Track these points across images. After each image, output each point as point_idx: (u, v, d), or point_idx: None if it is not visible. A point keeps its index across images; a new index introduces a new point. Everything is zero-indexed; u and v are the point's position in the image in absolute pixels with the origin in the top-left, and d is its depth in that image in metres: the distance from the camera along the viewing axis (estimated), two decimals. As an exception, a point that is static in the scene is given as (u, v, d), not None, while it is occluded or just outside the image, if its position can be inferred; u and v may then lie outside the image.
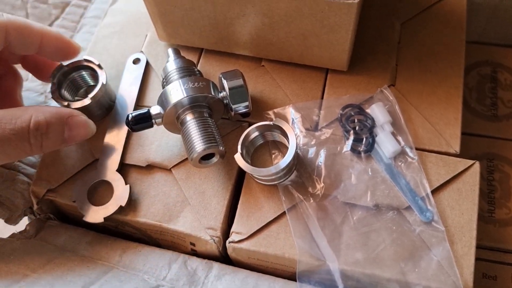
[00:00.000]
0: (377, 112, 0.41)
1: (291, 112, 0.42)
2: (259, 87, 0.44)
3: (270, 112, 0.43)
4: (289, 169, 0.38)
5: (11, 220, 0.43)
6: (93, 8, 0.54)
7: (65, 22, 0.53)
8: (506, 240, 0.45)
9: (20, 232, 0.42)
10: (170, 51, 0.43)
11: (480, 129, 0.50)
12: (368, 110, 0.41)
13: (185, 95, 0.38)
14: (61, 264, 0.37)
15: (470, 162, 0.39)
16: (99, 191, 0.41)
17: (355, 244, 0.37)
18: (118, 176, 0.41)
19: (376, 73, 0.44)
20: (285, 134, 0.38)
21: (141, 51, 0.47)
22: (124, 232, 0.43)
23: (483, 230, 0.46)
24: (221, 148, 0.38)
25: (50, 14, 0.52)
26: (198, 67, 0.46)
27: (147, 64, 0.46)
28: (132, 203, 0.41)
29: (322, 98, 0.43)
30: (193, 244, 0.41)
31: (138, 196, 0.41)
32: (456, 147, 0.40)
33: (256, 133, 0.40)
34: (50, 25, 0.52)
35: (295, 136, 0.38)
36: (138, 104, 0.45)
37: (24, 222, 0.44)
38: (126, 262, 0.39)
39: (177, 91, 0.38)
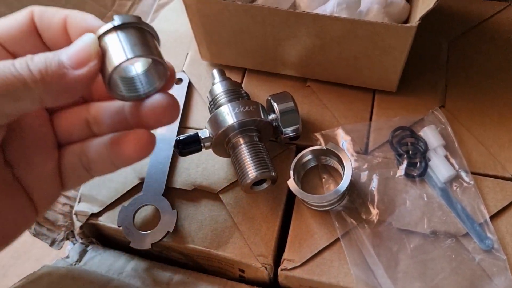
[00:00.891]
0: (430, 135, 0.40)
1: (340, 134, 0.41)
2: (305, 108, 0.43)
3: (318, 134, 0.42)
4: (343, 195, 0.37)
5: (55, 243, 0.42)
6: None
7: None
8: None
9: (63, 259, 0.42)
10: (215, 72, 0.42)
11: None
12: (420, 133, 0.40)
13: (236, 120, 0.37)
14: (110, 293, 0.36)
15: (528, 186, 0.38)
16: (145, 216, 0.40)
17: (413, 273, 0.36)
18: (164, 200, 0.40)
19: (425, 93, 0.43)
20: (339, 159, 0.37)
21: (183, 71, 0.47)
22: (169, 257, 0.42)
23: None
24: (273, 174, 0.37)
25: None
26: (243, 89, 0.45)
27: (189, 84, 0.46)
28: (179, 228, 0.40)
29: (370, 119, 0.42)
30: (242, 271, 0.40)
31: (184, 221, 0.40)
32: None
33: (310, 157, 0.39)
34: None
35: (351, 163, 0.37)
36: (181, 126, 0.44)
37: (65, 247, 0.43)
38: (175, 290, 0.38)
39: (228, 115, 0.37)
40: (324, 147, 0.38)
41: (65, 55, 0.25)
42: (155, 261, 0.41)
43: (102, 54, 0.26)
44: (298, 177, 0.39)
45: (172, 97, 0.30)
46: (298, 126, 0.39)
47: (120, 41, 0.25)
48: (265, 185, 0.38)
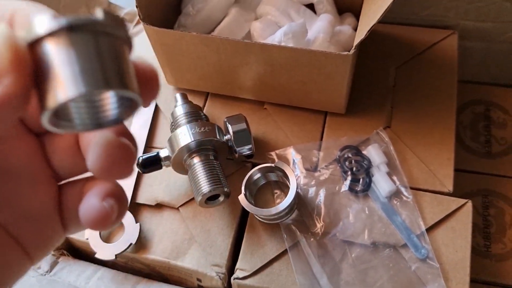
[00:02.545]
0: (373, 153, 0.43)
1: (292, 153, 0.44)
2: (261, 129, 0.47)
3: (273, 153, 0.45)
4: (290, 208, 0.40)
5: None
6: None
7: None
8: (502, 275, 0.47)
9: (34, 270, 0.44)
10: (178, 96, 0.46)
11: (475, 166, 0.52)
12: (364, 152, 0.44)
13: (193, 139, 0.40)
14: (74, 301, 0.39)
15: (463, 201, 0.41)
16: (111, 229, 0.43)
17: (354, 281, 0.39)
18: (129, 214, 0.43)
19: (372, 115, 0.46)
20: (286, 176, 0.40)
21: (151, 95, 0.50)
22: (133, 268, 0.45)
23: (480, 265, 0.47)
24: (225, 189, 0.40)
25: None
26: (204, 110, 0.48)
27: (156, 107, 0.49)
28: (142, 240, 0.43)
29: (321, 139, 0.46)
30: (200, 280, 0.42)
31: (147, 234, 0.43)
32: (449, 187, 0.42)
33: (259, 175, 0.42)
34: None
35: (296, 177, 0.40)
36: (148, 146, 0.47)
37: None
38: (135, 298, 0.41)
39: (185, 136, 0.41)
40: (272, 165, 0.41)
41: None
42: (120, 271, 0.44)
43: (39, 67, 0.16)
44: (251, 193, 0.42)
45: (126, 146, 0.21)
46: (250, 145, 0.42)
47: (72, 58, 0.16)
48: (219, 200, 0.41)
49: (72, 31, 0.15)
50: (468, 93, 0.56)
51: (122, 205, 0.21)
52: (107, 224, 0.20)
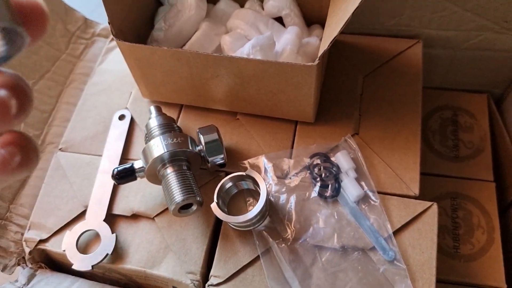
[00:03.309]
0: (342, 159, 0.45)
1: (263, 161, 0.46)
2: (234, 139, 0.48)
3: (245, 162, 0.46)
4: (261, 215, 0.42)
5: (6, 269, 0.46)
6: (81, 65, 0.59)
7: (55, 76, 0.57)
8: (471, 275, 0.48)
9: (12, 283, 0.45)
10: (152, 108, 0.47)
11: (444, 169, 0.54)
12: (333, 158, 0.45)
13: (165, 150, 0.42)
14: (51, 312, 0.40)
15: (429, 203, 0.43)
16: (88, 240, 0.44)
17: (324, 284, 0.40)
18: (105, 225, 0.44)
19: (341, 123, 0.48)
20: (256, 184, 0.42)
21: (126, 108, 0.51)
22: (111, 278, 0.46)
23: (449, 266, 0.49)
24: (198, 198, 0.41)
25: (41, 66, 0.56)
26: (179, 122, 0.50)
27: (132, 119, 0.50)
28: (118, 250, 0.44)
29: (292, 147, 0.47)
30: (175, 288, 0.43)
31: (123, 244, 0.44)
32: (415, 190, 0.44)
33: (230, 184, 0.43)
34: (41, 77, 0.56)
35: (267, 185, 0.41)
36: (123, 157, 0.48)
37: (17, 272, 0.47)
38: (112, 308, 0.42)
39: (158, 147, 0.42)
40: (242, 173, 0.42)
41: None
42: (97, 282, 0.45)
43: None
44: (224, 202, 0.44)
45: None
46: (222, 155, 0.44)
47: None
48: (193, 209, 0.42)
49: None
50: (436, 99, 0.58)
51: (24, 151, 0.19)
52: (6, 171, 0.19)
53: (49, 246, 0.45)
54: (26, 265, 0.47)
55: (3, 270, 0.46)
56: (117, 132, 0.49)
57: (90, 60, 0.58)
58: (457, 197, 0.52)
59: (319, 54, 0.40)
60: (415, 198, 0.44)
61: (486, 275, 0.48)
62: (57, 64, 0.57)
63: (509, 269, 0.49)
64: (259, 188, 0.41)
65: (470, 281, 0.48)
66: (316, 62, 0.40)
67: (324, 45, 0.39)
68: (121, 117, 0.50)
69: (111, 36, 0.58)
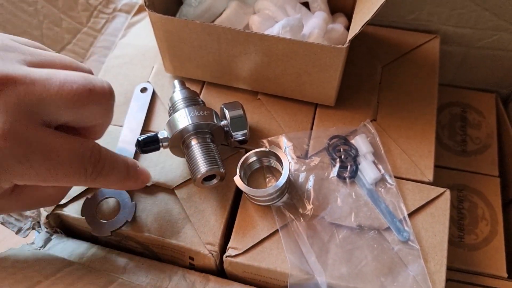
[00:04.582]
0: (360, 143, 0.46)
1: (284, 141, 0.47)
2: (255, 118, 0.49)
3: (265, 141, 0.47)
4: (282, 191, 0.43)
5: (20, 232, 0.46)
6: (102, 39, 0.59)
7: (76, 47, 0.57)
8: (474, 263, 0.50)
9: (28, 244, 0.45)
10: (176, 82, 0.48)
11: (452, 162, 0.56)
12: (352, 141, 0.46)
13: (191, 122, 0.42)
14: (71, 273, 0.40)
15: (442, 190, 0.44)
16: (107, 207, 0.45)
17: (341, 260, 0.41)
18: (125, 193, 0.45)
19: (359, 109, 0.49)
20: (279, 160, 0.43)
21: (148, 81, 0.52)
22: (127, 246, 0.47)
23: (454, 254, 0.50)
24: (222, 170, 0.42)
25: (62, 38, 0.57)
26: (200, 98, 0.50)
27: (153, 93, 0.51)
28: (137, 219, 0.44)
29: (311, 129, 0.48)
30: (192, 259, 0.44)
31: (142, 213, 0.44)
32: (429, 176, 0.45)
33: (254, 158, 0.44)
34: (62, 49, 0.56)
35: (288, 162, 0.42)
36: (144, 129, 0.49)
37: (32, 235, 0.47)
38: (130, 274, 0.43)
39: (184, 118, 0.43)
40: (266, 149, 0.43)
41: None
42: (113, 249, 0.45)
43: None
44: (245, 176, 0.45)
45: None
46: (246, 131, 0.45)
47: None
48: (214, 181, 0.43)
49: None
50: (446, 96, 0.60)
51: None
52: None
53: (66, 212, 0.45)
54: (41, 230, 0.47)
55: (17, 233, 0.46)
56: (139, 104, 0.50)
57: (111, 34, 0.59)
58: (464, 189, 0.54)
59: (349, 38, 0.41)
60: (429, 184, 0.45)
61: (488, 264, 0.50)
62: (78, 36, 0.57)
63: (510, 259, 0.51)
64: (282, 165, 0.42)
65: (473, 269, 0.50)
66: (346, 45, 0.41)
67: (356, 29, 0.41)
68: (143, 90, 0.51)
69: (133, 11, 0.59)
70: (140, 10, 0.59)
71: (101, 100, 0.34)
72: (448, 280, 0.41)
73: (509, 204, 0.56)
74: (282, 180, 0.41)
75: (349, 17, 0.52)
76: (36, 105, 0.30)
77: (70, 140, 0.33)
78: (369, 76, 0.51)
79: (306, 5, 0.51)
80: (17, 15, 0.56)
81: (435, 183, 0.45)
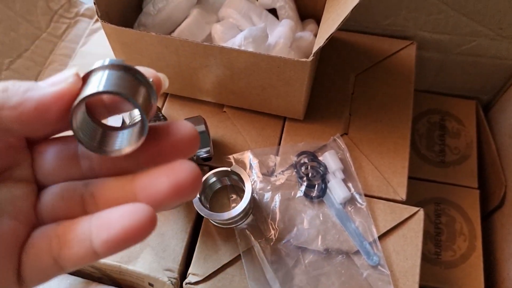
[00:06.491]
0: (330, 159, 0.43)
1: (249, 157, 0.44)
2: (220, 132, 0.46)
3: (230, 157, 0.45)
4: (245, 213, 0.40)
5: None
6: (62, 45, 0.56)
7: (34, 55, 0.54)
8: (451, 282, 0.48)
9: None
10: (135, 96, 0.45)
11: (429, 174, 0.53)
12: (321, 158, 0.44)
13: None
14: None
15: (415, 209, 0.42)
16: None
17: (306, 287, 0.39)
18: (80, 216, 0.42)
19: (330, 122, 0.47)
20: (241, 180, 0.40)
21: (108, 93, 0.49)
22: (84, 271, 0.44)
23: (430, 272, 0.48)
24: (180, 192, 0.39)
25: (20, 44, 0.53)
26: (163, 111, 0.48)
27: (113, 106, 0.48)
28: (92, 243, 0.42)
29: (279, 144, 0.46)
30: (152, 285, 0.42)
31: (98, 237, 0.42)
32: (402, 195, 0.43)
33: (214, 179, 0.42)
34: (19, 56, 0.53)
35: (251, 182, 0.40)
36: (102, 146, 0.46)
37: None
38: (84, 302, 0.40)
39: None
40: (228, 169, 0.40)
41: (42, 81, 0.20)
42: (69, 274, 0.43)
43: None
44: (206, 197, 0.42)
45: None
46: (209, 148, 0.42)
47: (102, 77, 0.20)
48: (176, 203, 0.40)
49: (108, 67, 0.20)
50: (424, 103, 0.57)
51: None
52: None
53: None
54: None
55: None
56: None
57: (72, 41, 0.55)
58: (441, 203, 0.52)
59: (314, 50, 0.38)
60: (402, 203, 0.43)
61: (466, 282, 0.48)
62: (36, 43, 0.54)
63: (488, 276, 0.49)
64: (244, 185, 0.40)
65: (450, 287, 0.48)
66: (311, 58, 0.38)
67: (320, 42, 0.38)
68: (102, 103, 0.48)
69: (96, 17, 0.56)
70: (101, 15, 0.56)
71: None
72: (422, 300, 0.40)
73: (488, 217, 0.54)
74: (243, 204, 0.39)
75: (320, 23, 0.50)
76: None
77: None
78: (341, 86, 0.49)
79: (273, 12, 0.48)
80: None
81: (410, 196, 0.43)
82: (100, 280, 0.43)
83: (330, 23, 0.38)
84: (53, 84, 0.20)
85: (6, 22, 0.53)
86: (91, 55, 0.52)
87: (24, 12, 0.55)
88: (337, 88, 0.49)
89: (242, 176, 0.40)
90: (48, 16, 0.56)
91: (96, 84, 0.20)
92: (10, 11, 0.54)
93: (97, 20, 0.56)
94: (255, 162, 0.44)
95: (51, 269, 0.20)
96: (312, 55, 0.38)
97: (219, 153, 0.45)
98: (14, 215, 0.20)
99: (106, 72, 0.20)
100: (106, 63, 0.20)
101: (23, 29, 0.54)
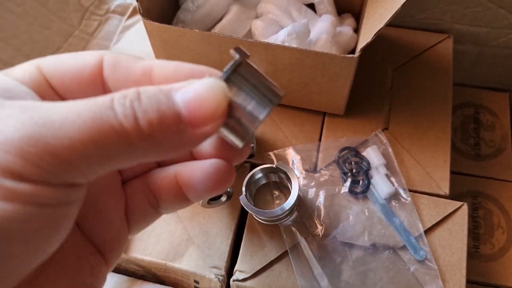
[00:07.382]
0: (372, 155, 0.43)
1: (291, 154, 0.44)
2: (260, 129, 0.46)
3: (271, 153, 0.45)
4: (291, 210, 0.40)
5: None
6: (94, 43, 0.56)
7: (67, 53, 0.54)
8: (490, 275, 0.48)
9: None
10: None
11: (465, 168, 0.53)
12: (363, 153, 0.44)
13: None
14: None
15: (459, 203, 0.42)
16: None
17: (354, 283, 0.39)
18: (124, 214, 0.42)
19: (370, 116, 0.46)
20: (287, 177, 0.40)
21: (145, 91, 0.49)
22: (127, 269, 0.44)
23: (469, 265, 0.48)
24: (229, 190, 0.39)
25: (53, 42, 0.53)
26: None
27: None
28: (137, 241, 0.42)
29: (319, 140, 0.46)
30: (197, 282, 0.42)
31: (143, 235, 0.42)
32: (445, 189, 0.43)
33: (260, 175, 0.41)
34: (53, 54, 0.53)
35: (297, 180, 0.40)
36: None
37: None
38: (132, 300, 0.40)
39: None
40: (273, 166, 0.40)
41: (181, 102, 0.17)
42: (114, 272, 0.43)
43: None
44: (251, 194, 0.42)
45: None
46: (252, 145, 0.42)
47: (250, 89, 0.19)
48: (221, 201, 0.40)
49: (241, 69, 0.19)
50: (458, 96, 0.57)
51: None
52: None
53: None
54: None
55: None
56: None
57: (104, 38, 0.55)
58: (478, 196, 0.52)
59: (361, 46, 0.38)
60: (445, 197, 0.43)
61: (505, 275, 0.48)
62: (69, 40, 0.54)
63: (528, 270, 0.49)
64: (290, 182, 0.40)
65: (489, 281, 0.48)
66: (357, 54, 0.38)
67: (368, 37, 0.38)
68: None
69: (127, 14, 0.56)
70: (134, 12, 0.56)
71: None
72: (464, 295, 0.40)
73: (525, 210, 0.54)
74: (291, 200, 0.39)
75: (357, 17, 0.49)
76: None
77: None
78: (380, 81, 0.49)
79: (311, 7, 0.48)
80: (5, 17, 0.52)
81: (449, 190, 0.43)
82: (143, 278, 0.43)
83: (378, 17, 0.38)
84: (200, 122, 0.17)
85: (40, 19, 0.53)
86: (125, 52, 0.52)
87: (57, 9, 0.54)
88: (375, 83, 0.48)
89: (288, 173, 0.40)
90: (79, 13, 0.56)
91: (260, 105, 0.19)
92: (44, 8, 0.53)
93: (129, 17, 0.55)
94: (297, 159, 0.44)
95: (152, 216, 0.23)
96: (358, 51, 0.38)
97: (259, 149, 0.45)
98: None
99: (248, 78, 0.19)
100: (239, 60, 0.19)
101: (56, 26, 0.54)
